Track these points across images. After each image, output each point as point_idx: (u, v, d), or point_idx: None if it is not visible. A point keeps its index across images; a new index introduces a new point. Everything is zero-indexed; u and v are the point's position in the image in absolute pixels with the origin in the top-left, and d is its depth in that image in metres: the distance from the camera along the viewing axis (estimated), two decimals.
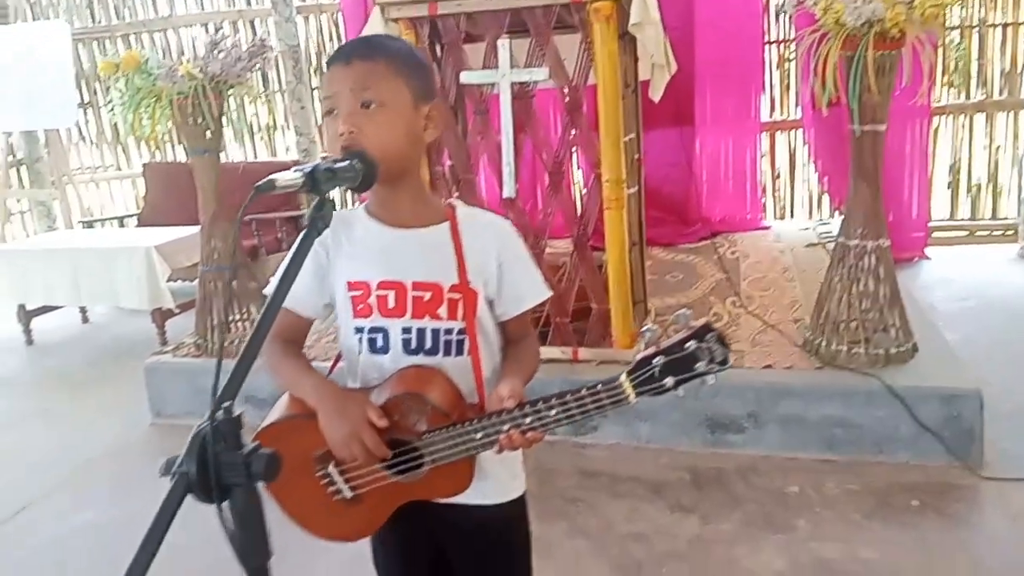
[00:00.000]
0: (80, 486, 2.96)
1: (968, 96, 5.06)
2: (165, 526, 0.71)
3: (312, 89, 5.75)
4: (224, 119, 3.35)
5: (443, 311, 1.22)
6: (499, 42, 2.74)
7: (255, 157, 6.14)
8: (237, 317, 3.48)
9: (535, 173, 5.04)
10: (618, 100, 2.74)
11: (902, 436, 2.67)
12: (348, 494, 1.22)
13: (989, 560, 2.20)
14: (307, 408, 1.19)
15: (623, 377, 1.07)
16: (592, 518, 2.48)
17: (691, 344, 1.05)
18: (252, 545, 0.79)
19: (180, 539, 0.87)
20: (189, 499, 0.78)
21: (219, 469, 0.76)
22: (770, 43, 5.02)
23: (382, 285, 1.22)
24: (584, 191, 2.96)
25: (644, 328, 1.11)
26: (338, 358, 1.32)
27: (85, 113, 6.39)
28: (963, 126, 5.07)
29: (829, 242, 4.55)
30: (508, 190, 2.88)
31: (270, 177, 0.94)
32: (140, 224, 5.44)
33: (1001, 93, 5.00)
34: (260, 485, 0.81)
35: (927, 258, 4.77)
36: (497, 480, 1.28)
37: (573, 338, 3.00)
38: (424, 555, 1.35)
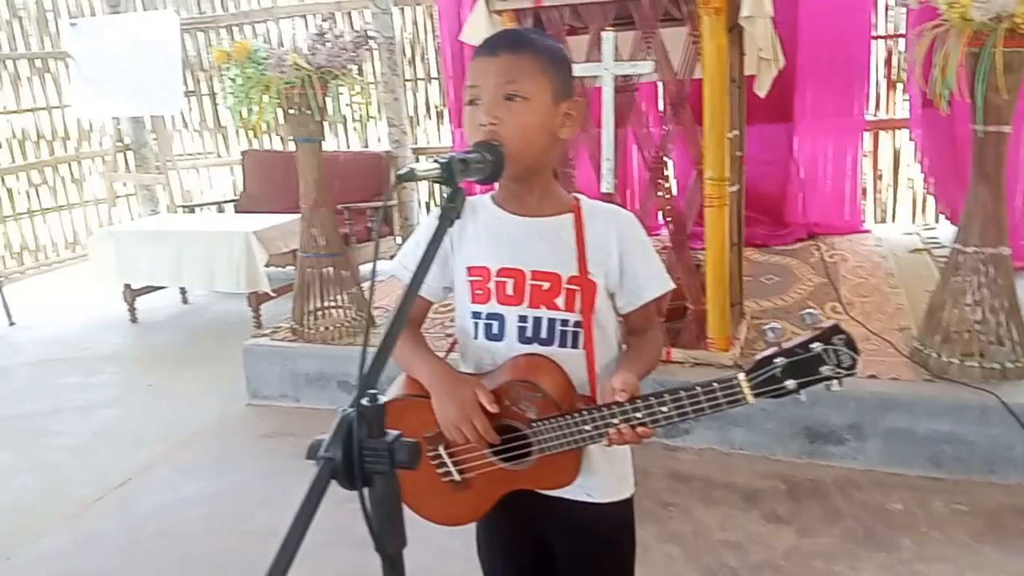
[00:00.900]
0: (183, 459, 3.07)
1: None
2: (311, 511, 0.71)
3: (406, 81, 5.83)
4: (333, 107, 3.41)
5: (560, 301, 1.21)
6: (603, 34, 2.71)
7: (347, 147, 6.27)
8: (333, 303, 3.55)
9: (627, 168, 4.99)
10: (724, 95, 2.67)
11: (1016, 457, 2.53)
12: (457, 477, 1.22)
13: None
14: (422, 389, 1.21)
15: (741, 376, 1.04)
16: (685, 523, 2.43)
17: (817, 346, 1.01)
18: (391, 533, 0.78)
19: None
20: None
21: (363, 456, 0.76)
22: (877, 38, 4.81)
23: (501, 272, 1.23)
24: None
25: (767, 326, 1.08)
26: (454, 343, 1.33)
27: (189, 101, 6.63)
28: None
29: (935, 248, 4.36)
30: (607, 185, 2.85)
31: (411, 167, 0.97)
32: (237, 210, 5.62)
33: None
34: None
35: None
36: (604, 478, 1.26)
37: (667, 338, 2.95)
38: (528, 547, 1.34)
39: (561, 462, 1.16)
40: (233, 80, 3.24)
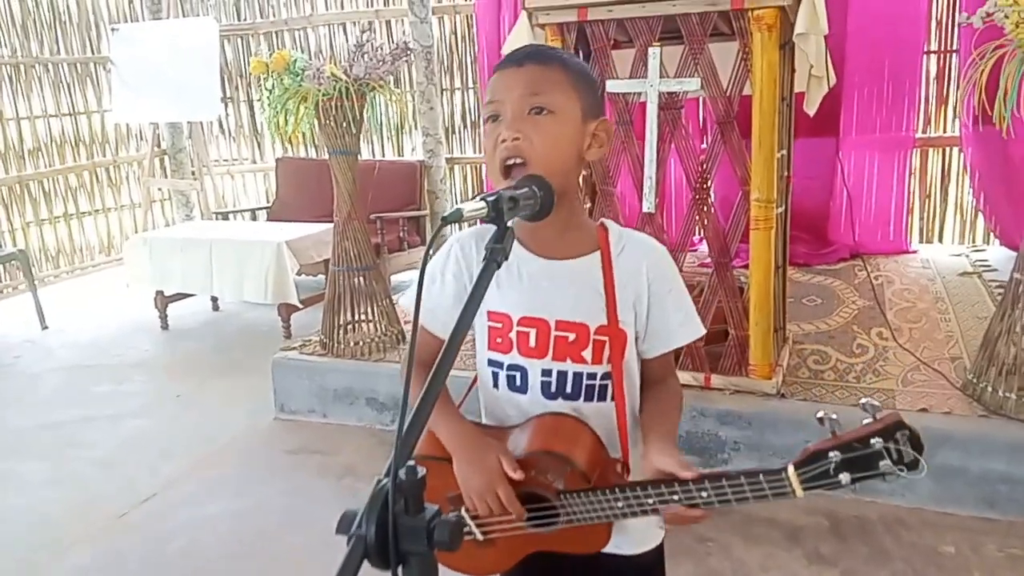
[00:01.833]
0: (209, 474, 3.03)
1: None
2: None
3: (442, 91, 5.78)
4: (368, 117, 3.37)
5: (587, 354, 1.13)
6: (650, 50, 2.62)
7: (382, 156, 6.25)
8: (363, 317, 3.50)
9: (667, 187, 4.89)
10: (774, 114, 2.56)
11: None
12: (480, 537, 1.14)
13: None
14: (443, 447, 1.12)
15: (791, 469, 0.92)
16: (724, 561, 2.32)
17: (877, 442, 0.89)
18: None
19: None
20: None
21: (399, 534, 0.69)
22: (929, 53, 4.66)
23: (524, 321, 1.14)
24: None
25: (823, 415, 0.96)
26: (474, 381, 1.25)
27: (226, 107, 6.65)
28: None
29: (985, 271, 4.20)
30: (648, 204, 2.76)
31: (458, 207, 0.90)
32: (270, 218, 5.62)
33: None
34: None
35: None
36: (636, 532, 1.18)
37: (707, 363, 2.85)
38: None
39: (591, 529, 1.08)
40: (270, 91, 3.20)
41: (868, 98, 4.61)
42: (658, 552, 1.25)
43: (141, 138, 6.73)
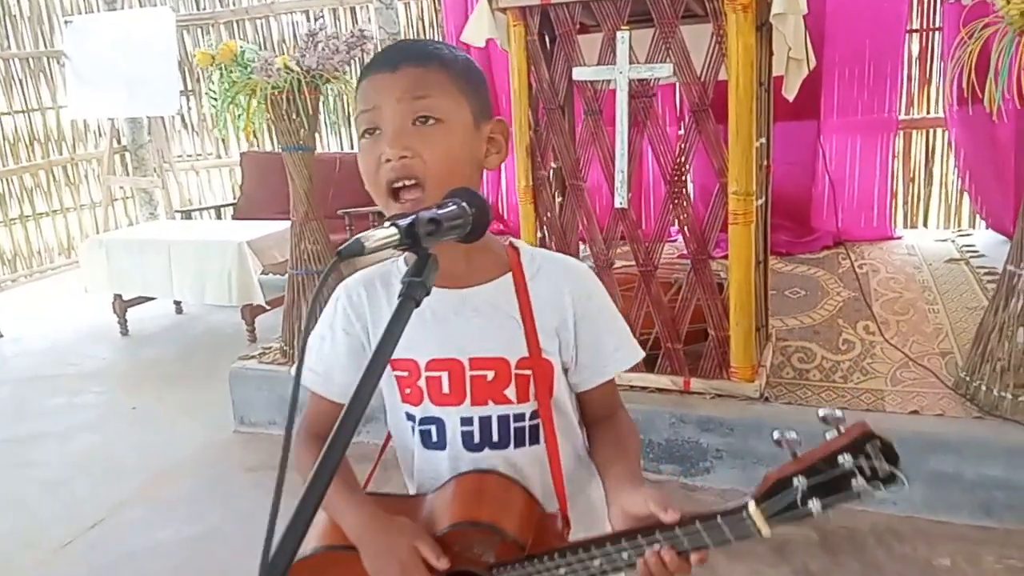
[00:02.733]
0: (161, 496, 2.85)
1: None
2: None
3: None
4: (321, 110, 3.18)
5: (511, 392, 0.97)
6: (618, 34, 2.44)
7: (351, 148, 6.03)
8: None
9: (643, 177, 4.73)
10: (751, 100, 2.40)
11: None
12: None
13: None
14: (347, 537, 0.95)
15: (751, 506, 0.76)
16: None
17: (846, 459, 0.73)
18: None
19: None
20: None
21: None
22: (912, 31, 4.51)
23: (433, 365, 0.97)
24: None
25: (778, 436, 0.79)
26: (388, 440, 1.09)
27: (188, 100, 6.42)
28: None
29: (972, 257, 4.07)
30: (620, 199, 2.59)
31: (358, 238, 0.73)
32: (236, 215, 5.40)
33: None
34: None
35: None
36: None
37: (685, 366, 2.70)
38: None
39: None
40: (215, 84, 3.00)
41: (849, 79, 4.45)
42: None
43: (100, 134, 6.47)
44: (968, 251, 4.19)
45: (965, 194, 4.67)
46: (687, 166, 2.57)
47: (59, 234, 6.29)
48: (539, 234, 2.77)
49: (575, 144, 2.67)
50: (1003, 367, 2.43)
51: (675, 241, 4.37)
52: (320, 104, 3.13)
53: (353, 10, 5.75)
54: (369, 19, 5.51)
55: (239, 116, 3.05)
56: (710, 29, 2.40)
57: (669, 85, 4.15)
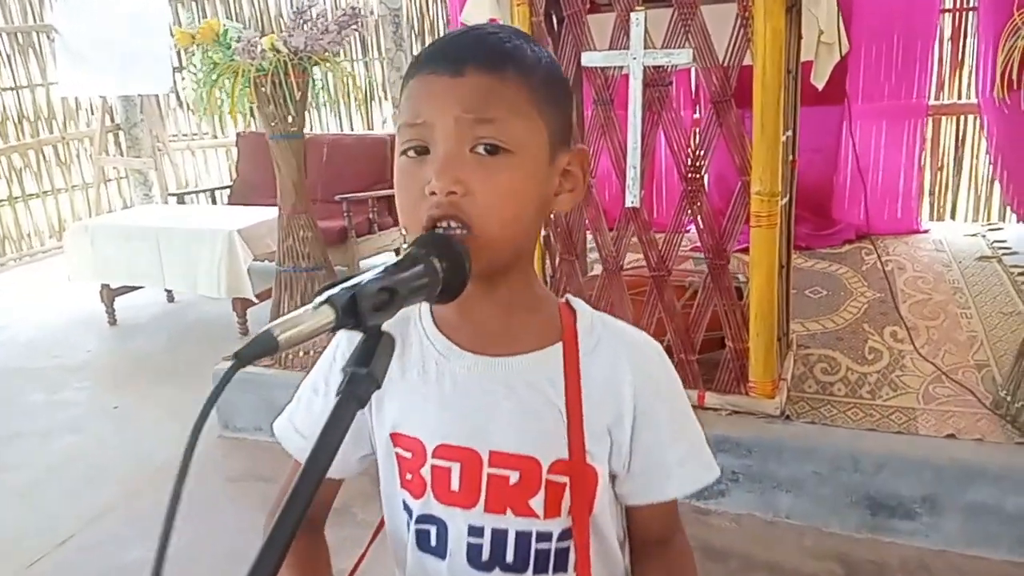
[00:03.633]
0: (137, 507, 2.68)
1: None
2: None
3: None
4: (311, 92, 2.95)
5: (538, 503, 0.74)
6: (632, 15, 2.20)
7: (351, 128, 5.81)
8: None
9: (656, 168, 4.49)
10: (779, 89, 2.16)
11: None
12: None
13: None
14: None
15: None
16: None
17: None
18: None
19: None
20: None
21: None
22: (944, 11, 4.23)
23: (441, 451, 0.75)
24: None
25: None
26: (381, 524, 0.87)
27: (183, 78, 6.18)
28: None
29: (1006, 254, 3.84)
30: (632, 198, 2.37)
31: (268, 329, 0.55)
32: (231, 199, 5.20)
33: None
34: None
35: None
36: None
37: (700, 378, 2.49)
38: None
39: None
40: (195, 66, 2.78)
41: (876, 61, 4.19)
42: None
43: (92, 112, 6.25)
44: (1000, 247, 3.95)
45: (995, 185, 4.41)
46: (705, 161, 2.34)
47: (49, 216, 6.09)
48: (543, 233, 2.55)
49: (583, 135, 2.44)
50: None
51: (688, 232, 4.16)
52: (308, 88, 2.90)
53: None
54: None
55: (221, 103, 2.83)
56: (734, 10, 2.16)
57: (685, 70, 3.90)
